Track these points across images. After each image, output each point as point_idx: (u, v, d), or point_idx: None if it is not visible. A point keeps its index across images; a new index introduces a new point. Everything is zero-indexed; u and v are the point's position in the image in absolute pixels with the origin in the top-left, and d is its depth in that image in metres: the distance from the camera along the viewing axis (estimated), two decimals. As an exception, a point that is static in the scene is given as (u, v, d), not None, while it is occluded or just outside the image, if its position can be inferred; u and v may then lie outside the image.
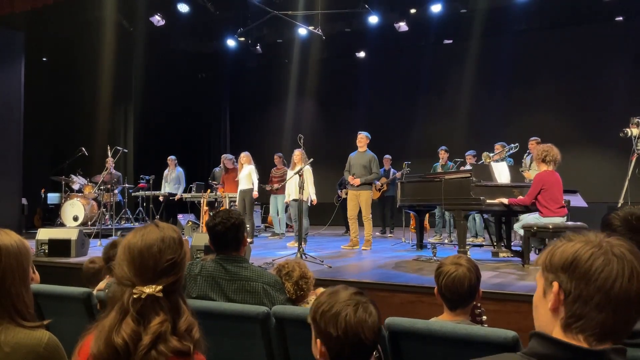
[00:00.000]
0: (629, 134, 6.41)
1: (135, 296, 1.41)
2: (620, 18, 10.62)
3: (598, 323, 1.10)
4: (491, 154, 8.00)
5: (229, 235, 2.90)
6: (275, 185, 9.68)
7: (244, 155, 9.19)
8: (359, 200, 7.94)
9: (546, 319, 1.18)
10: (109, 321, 1.42)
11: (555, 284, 1.15)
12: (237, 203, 9.13)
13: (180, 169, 11.33)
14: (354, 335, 1.53)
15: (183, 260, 1.50)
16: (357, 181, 7.87)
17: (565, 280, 1.14)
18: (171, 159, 11.30)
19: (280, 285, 2.95)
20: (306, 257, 6.23)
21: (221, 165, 10.50)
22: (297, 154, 8.66)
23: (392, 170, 10.62)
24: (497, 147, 8.68)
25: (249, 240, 8.52)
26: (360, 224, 8.04)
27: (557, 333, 1.15)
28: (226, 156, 10.29)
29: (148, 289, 1.41)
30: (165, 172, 11.29)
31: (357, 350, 1.56)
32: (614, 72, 11.14)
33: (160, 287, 1.42)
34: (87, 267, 3.66)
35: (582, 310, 1.12)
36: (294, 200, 8.71)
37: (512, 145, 8.19)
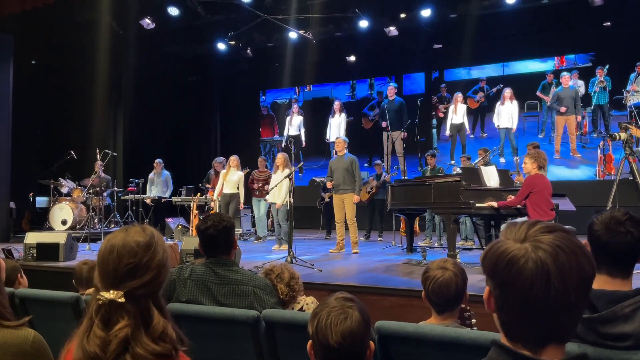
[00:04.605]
0: (617, 138, 6.48)
1: (100, 302, 1.39)
2: (609, 23, 10.71)
3: (526, 330, 1.04)
4: (476, 160, 8.15)
5: (220, 238, 2.90)
6: (266, 187, 9.65)
7: (234, 159, 9.17)
8: (344, 204, 7.94)
9: (496, 322, 1.12)
10: (82, 328, 1.41)
11: (486, 289, 1.11)
12: (217, 202, 9.05)
13: (167, 172, 11.28)
14: (323, 336, 1.57)
15: (149, 263, 1.43)
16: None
17: (492, 286, 1.09)
18: (158, 162, 11.22)
19: (271, 288, 2.94)
20: (296, 261, 6.23)
21: (213, 168, 10.49)
22: (280, 157, 8.64)
23: (384, 174, 10.57)
24: (480, 151, 8.81)
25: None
26: (346, 227, 8.03)
27: (503, 338, 1.09)
28: (217, 159, 10.29)
29: (109, 295, 1.38)
30: (151, 175, 11.22)
31: (327, 354, 1.58)
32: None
33: (121, 293, 1.38)
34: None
35: (507, 317, 1.07)
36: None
37: (495, 147, 8.28)
